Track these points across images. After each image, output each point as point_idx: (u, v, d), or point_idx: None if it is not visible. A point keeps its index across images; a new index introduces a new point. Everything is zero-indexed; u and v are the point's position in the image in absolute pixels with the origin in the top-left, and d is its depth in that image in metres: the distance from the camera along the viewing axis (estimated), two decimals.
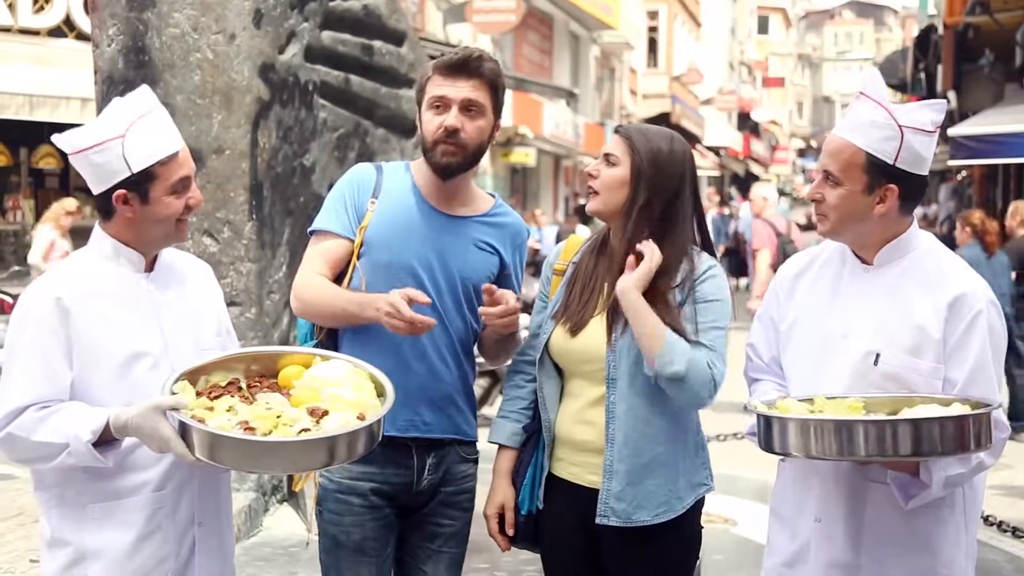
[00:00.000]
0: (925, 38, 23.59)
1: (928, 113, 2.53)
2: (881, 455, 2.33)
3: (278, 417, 2.38)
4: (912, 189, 2.53)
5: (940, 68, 20.81)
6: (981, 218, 8.86)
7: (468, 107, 2.83)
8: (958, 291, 2.51)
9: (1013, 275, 8.70)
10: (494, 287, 2.75)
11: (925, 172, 2.56)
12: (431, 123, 2.84)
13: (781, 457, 2.54)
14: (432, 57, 3.12)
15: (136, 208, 2.52)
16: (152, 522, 2.52)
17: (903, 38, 58.03)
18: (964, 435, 2.31)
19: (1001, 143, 12.44)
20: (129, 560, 2.51)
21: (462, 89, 2.82)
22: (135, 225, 2.55)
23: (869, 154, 2.50)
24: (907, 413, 2.38)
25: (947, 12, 19.33)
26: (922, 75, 23.49)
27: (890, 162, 2.49)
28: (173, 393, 2.40)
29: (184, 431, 2.34)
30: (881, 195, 2.51)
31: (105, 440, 2.41)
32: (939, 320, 2.50)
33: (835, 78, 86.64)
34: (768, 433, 2.41)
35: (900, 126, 2.49)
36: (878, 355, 2.54)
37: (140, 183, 2.49)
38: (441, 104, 2.83)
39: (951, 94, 18.23)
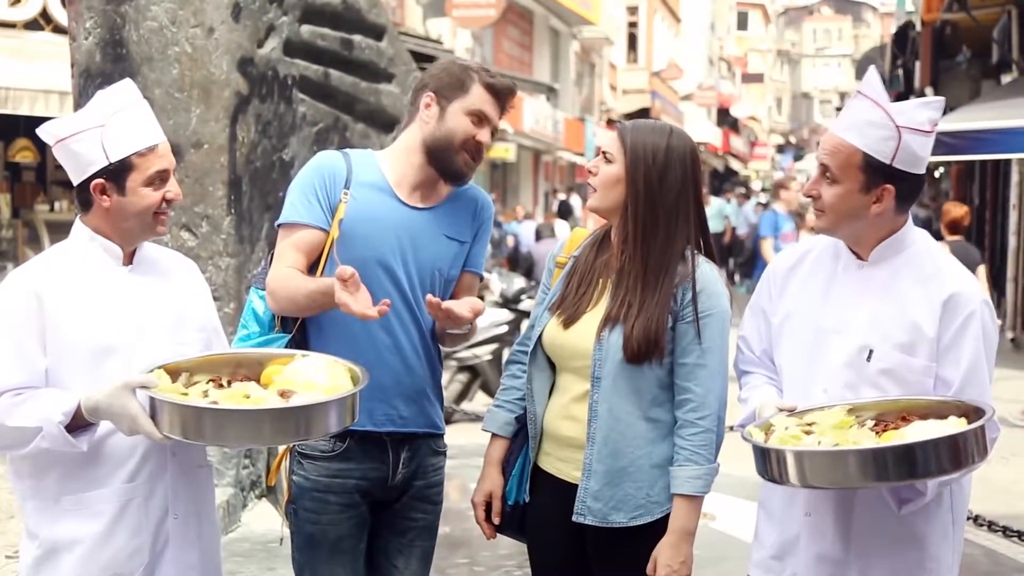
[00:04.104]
0: (903, 35, 23.68)
1: (926, 112, 2.54)
2: (881, 481, 2.32)
3: (246, 397, 2.39)
4: (909, 188, 2.55)
5: (918, 65, 20.92)
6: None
7: (495, 131, 2.92)
8: (953, 290, 2.52)
9: None
10: (436, 301, 2.73)
11: (922, 171, 2.57)
12: (466, 127, 2.86)
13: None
14: (413, 52, 3.12)
15: (113, 199, 2.53)
16: (123, 513, 2.53)
17: (881, 35, 58.29)
18: (961, 453, 2.30)
19: (978, 139, 12.47)
20: (99, 551, 2.51)
21: (499, 113, 2.91)
22: (112, 216, 2.55)
23: (866, 154, 2.50)
24: (905, 436, 2.35)
25: (925, 9, 19.39)
26: (900, 72, 23.58)
27: (887, 162, 2.50)
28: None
29: (153, 410, 2.35)
30: (878, 195, 2.53)
31: (80, 426, 2.42)
32: (933, 318, 2.51)
33: (814, 74, 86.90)
34: (765, 464, 2.41)
35: (898, 127, 2.50)
36: (871, 351, 2.55)
37: (117, 173, 2.52)
38: (482, 119, 2.87)
39: (928, 90, 18.31)
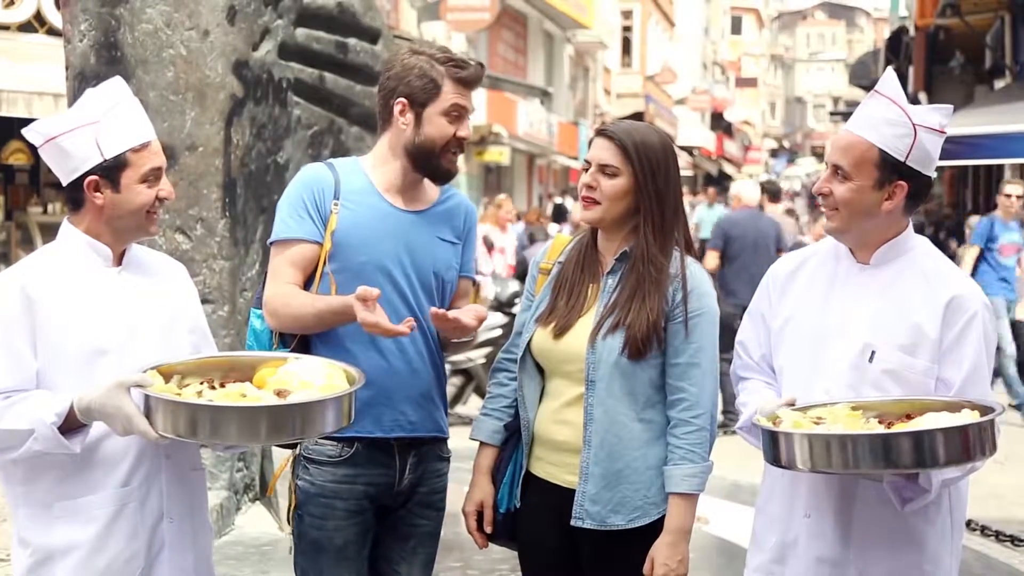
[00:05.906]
0: (896, 39, 23.76)
1: (936, 116, 2.59)
2: (890, 467, 2.34)
3: (242, 396, 2.38)
4: (919, 188, 2.59)
5: (911, 69, 20.97)
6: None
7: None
8: (955, 292, 2.55)
9: None
10: (441, 312, 2.73)
11: (932, 172, 2.61)
12: (445, 129, 2.83)
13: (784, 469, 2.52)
14: None
15: (107, 196, 2.52)
16: (118, 518, 2.50)
17: (875, 39, 58.45)
18: (971, 444, 2.32)
19: (971, 144, 12.54)
20: (95, 558, 2.49)
21: (471, 100, 2.87)
22: (105, 215, 2.54)
23: (882, 150, 2.54)
24: (916, 424, 2.37)
25: (918, 14, 19.48)
26: None
27: (902, 159, 2.55)
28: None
29: (147, 408, 2.33)
30: (890, 191, 2.56)
31: (72, 427, 2.39)
32: (936, 319, 2.54)
33: (807, 79, 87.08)
34: (775, 448, 2.42)
35: (914, 124, 2.54)
36: (873, 352, 2.57)
37: (112, 170, 2.50)
38: (459, 114, 2.84)
39: (922, 95, 18.39)
